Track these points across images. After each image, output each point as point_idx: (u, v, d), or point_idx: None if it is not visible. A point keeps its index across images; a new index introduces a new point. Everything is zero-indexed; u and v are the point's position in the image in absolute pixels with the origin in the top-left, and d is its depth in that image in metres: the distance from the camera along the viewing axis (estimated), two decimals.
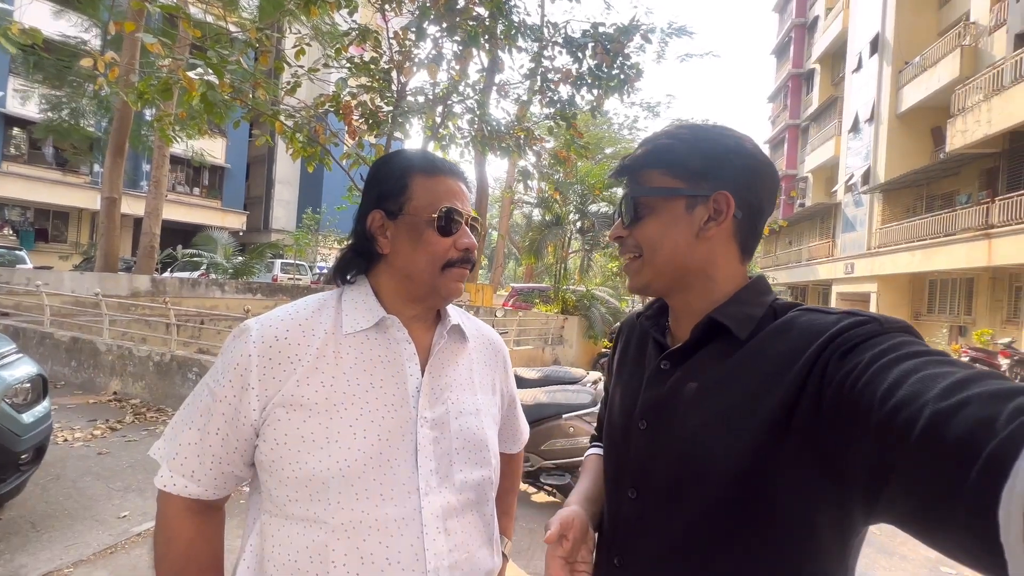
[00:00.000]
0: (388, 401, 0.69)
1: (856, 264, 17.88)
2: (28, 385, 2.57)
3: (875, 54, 17.57)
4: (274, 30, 5.35)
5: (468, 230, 0.75)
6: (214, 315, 7.49)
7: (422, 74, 5.45)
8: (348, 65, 5.22)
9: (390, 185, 0.74)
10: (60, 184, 17.37)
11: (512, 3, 5.33)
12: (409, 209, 0.72)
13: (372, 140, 5.50)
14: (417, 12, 5.06)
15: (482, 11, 5.12)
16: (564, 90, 5.87)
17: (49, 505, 2.83)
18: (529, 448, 3.15)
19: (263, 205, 26.25)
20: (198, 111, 4.43)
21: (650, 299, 0.77)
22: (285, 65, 4.82)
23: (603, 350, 11.33)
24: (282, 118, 4.94)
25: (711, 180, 0.62)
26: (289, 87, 4.97)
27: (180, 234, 19.11)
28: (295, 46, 4.98)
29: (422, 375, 0.73)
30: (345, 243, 0.80)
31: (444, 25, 5.05)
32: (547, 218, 15.40)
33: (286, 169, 25.86)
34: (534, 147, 6.14)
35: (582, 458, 0.90)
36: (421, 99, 5.52)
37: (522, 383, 3.78)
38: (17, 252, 13.16)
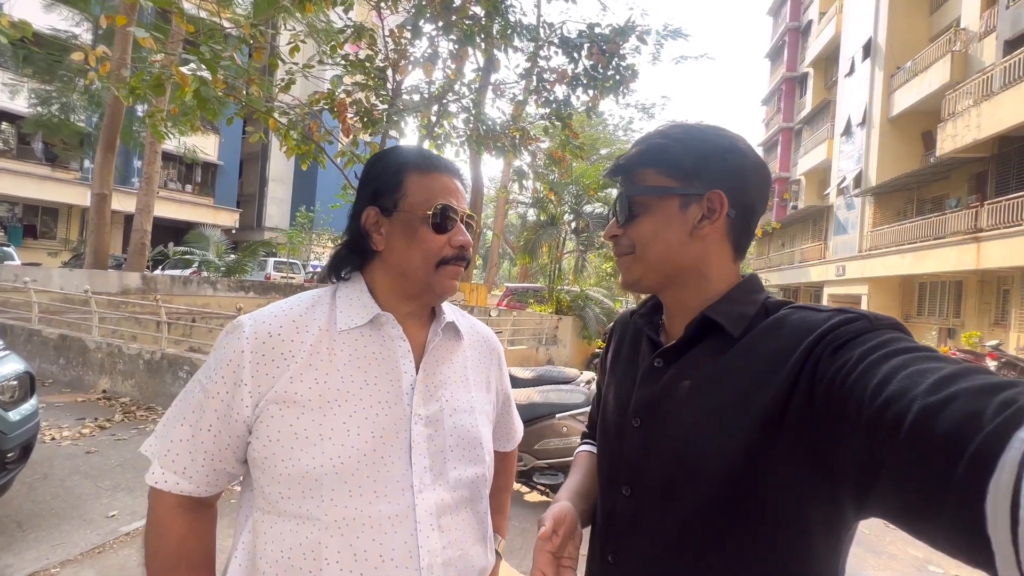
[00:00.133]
0: (382, 398, 0.69)
1: (847, 266, 18.05)
2: (15, 383, 2.54)
3: (867, 58, 17.74)
4: (268, 27, 5.31)
5: (463, 228, 0.74)
6: (206, 313, 7.43)
7: (417, 73, 5.44)
8: (343, 63, 5.20)
9: (385, 182, 0.74)
10: (49, 180, 17.14)
11: (508, 3, 5.33)
12: (404, 206, 0.72)
13: (367, 138, 5.48)
14: (413, 10, 5.05)
15: (478, 10, 5.11)
16: (560, 90, 5.88)
17: (36, 504, 2.79)
18: (522, 447, 3.15)
19: (256, 203, 26.06)
20: (191, 107, 4.40)
21: (644, 298, 0.78)
22: (279, 62, 4.79)
23: (597, 350, 11.35)
24: (276, 115, 4.91)
25: (704, 179, 0.63)
26: (283, 84, 4.94)
27: (172, 231, 18.95)
28: (290, 43, 4.95)
29: (416, 372, 0.72)
30: (339, 241, 0.80)
31: (440, 24, 5.04)
32: (542, 218, 15.41)
33: (280, 167, 25.70)
34: (529, 147, 6.15)
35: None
36: (416, 98, 5.51)
37: (516, 383, 3.78)
38: (5, 248, 12.98)
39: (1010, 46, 11.69)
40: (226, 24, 4.79)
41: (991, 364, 9.10)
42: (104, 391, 5.00)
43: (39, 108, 12.38)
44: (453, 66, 5.45)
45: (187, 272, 13.28)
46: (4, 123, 16.33)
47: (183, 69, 3.84)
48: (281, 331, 0.68)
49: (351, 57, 5.22)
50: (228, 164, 22.96)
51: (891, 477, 0.40)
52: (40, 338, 5.57)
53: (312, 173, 23.19)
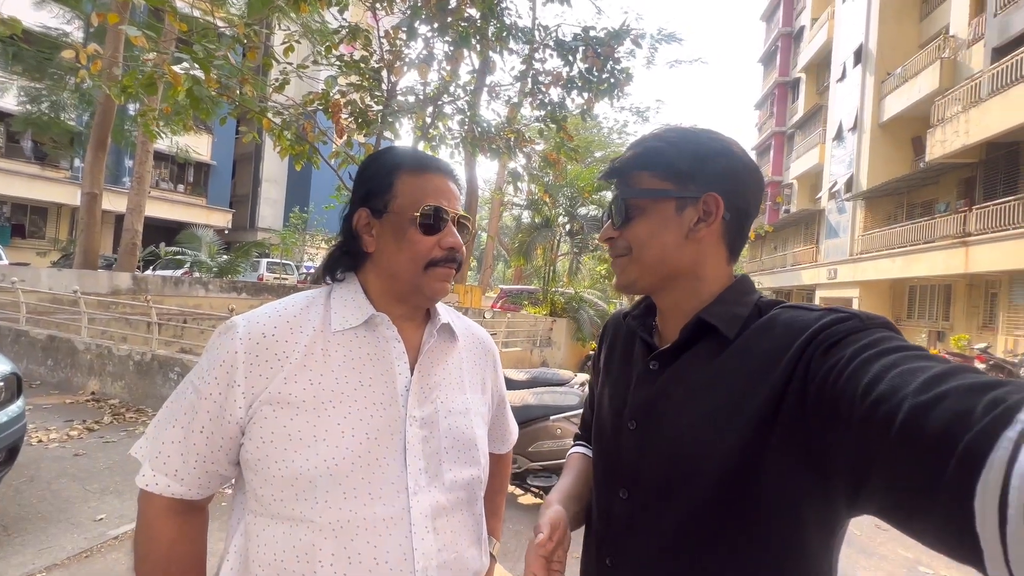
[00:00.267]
0: (377, 399, 0.68)
1: (839, 270, 18.22)
2: (1, 384, 2.50)
3: (859, 64, 17.95)
4: (263, 26, 5.29)
5: (454, 229, 0.73)
6: (197, 314, 7.36)
7: (413, 74, 5.44)
8: (338, 63, 5.18)
9: (376, 183, 0.73)
10: (38, 179, 16.94)
11: (504, 5, 5.34)
12: (393, 207, 0.71)
13: (361, 139, 5.46)
14: (408, 12, 5.04)
15: (474, 12, 5.12)
16: (555, 93, 5.89)
17: (22, 508, 2.75)
18: (516, 450, 3.14)
19: (249, 203, 25.91)
20: (184, 106, 4.35)
21: (637, 299, 0.78)
22: (274, 62, 4.76)
23: (591, 352, 11.37)
24: (270, 115, 4.88)
25: (700, 182, 0.63)
26: (277, 84, 4.91)
27: (163, 231, 18.77)
28: (284, 43, 4.92)
29: (411, 374, 0.72)
30: (332, 242, 0.79)
31: (435, 25, 5.04)
32: (536, 220, 15.43)
33: (273, 167, 25.56)
34: (524, 149, 6.15)
35: None
36: (411, 99, 5.50)
37: (510, 385, 3.77)
38: None
39: (998, 53, 11.88)
40: (219, 24, 4.76)
41: (980, 366, 9.22)
42: (93, 393, 4.94)
43: (28, 106, 12.22)
44: (448, 68, 5.45)
45: (179, 273, 13.16)
46: None
47: (176, 68, 3.81)
48: (275, 332, 0.68)
49: (346, 58, 5.20)
50: (221, 164, 22.81)
51: (882, 475, 0.41)
52: (28, 339, 5.50)
53: (306, 174, 23.13)
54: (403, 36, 5.21)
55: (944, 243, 13.06)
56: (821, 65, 22.36)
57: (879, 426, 0.40)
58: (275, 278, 15.93)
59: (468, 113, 5.52)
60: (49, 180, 17.10)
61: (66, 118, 12.59)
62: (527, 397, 3.46)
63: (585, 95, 5.74)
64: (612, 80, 5.56)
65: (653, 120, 15.62)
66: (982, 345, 10.15)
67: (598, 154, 18.00)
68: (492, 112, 6.21)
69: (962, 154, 12.70)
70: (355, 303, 0.72)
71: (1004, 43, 11.85)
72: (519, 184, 7.43)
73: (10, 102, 13.32)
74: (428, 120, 5.40)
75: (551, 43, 5.68)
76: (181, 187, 21.70)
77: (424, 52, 5.32)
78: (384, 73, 5.35)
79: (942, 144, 12.97)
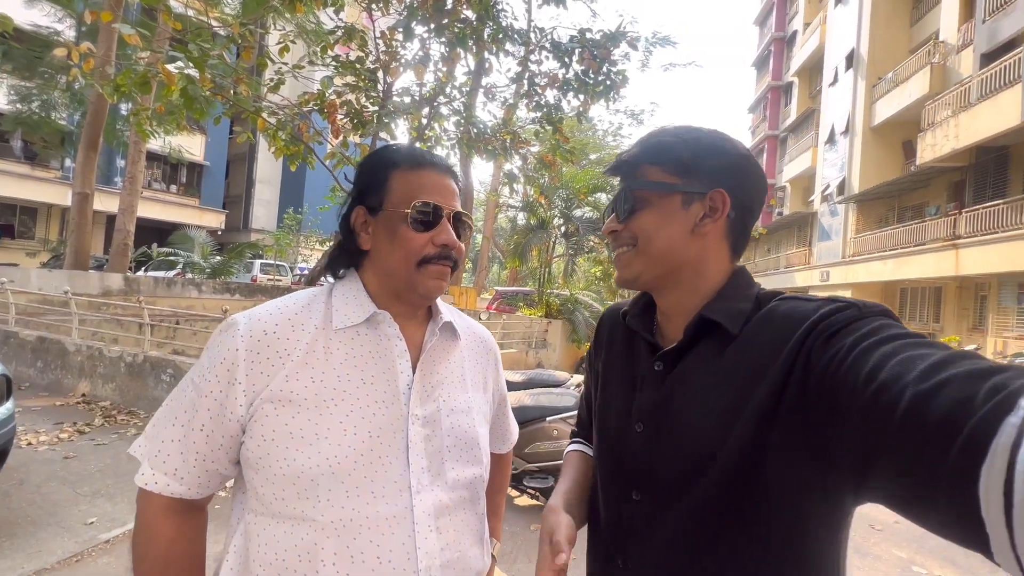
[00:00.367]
0: (379, 398, 0.68)
1: (831, 272, 18.38)
2: None
3: (850, 69, 18.15)
4: (258, 26, 5.26)
5: (449, 226, 0.72)
6: (190, 315, 7.30)
7: (409, 75, 5.42)
8: (334, 64, 5.16)
9: (372, 180, 0.73)
10: (29, 179, 16.75)
11: (500, 7, 5.35)
12: (387, 204, 0.71)
13: (357, 140, 5.44)
14: (404, 12, 5.04)
15: (470, 13, 5.12)
16: (550, 94, 5.91)
17: (11, 511, 2.71)
18: (513, 451, 3.13)
19: (243, 204, 25.74)
20: (177, 106, 4.33)
21: (633, 295, 0.77)
22: (268, 62, 4.74)
23: (586, 353, 11.38)
24: (264, 115, 4.86)
25: (706, 178, 0.63)
26: (272, 84, 4.89)
27: (156, 232, 18.62)
28: (279, 43, 4.90)
29: (413, 372, 0.71)
30: (326, 244, 0.79)
31: (431, 26, 5.03)
32: (532, 222, 15.44)
33: (267, 168, 25.44)
34: (520, 150, 6.16)
35: None
36: (407, 100, 5.49)
37: (506, 386, 3.76)
38: None
39: (986, 59, 12.06)
40: (214, 23, 4.74)
41: None
42: (84, 395, 4.88)
43: (19, 105, 12.08)
44: (444, 69, 5.45)
45: (171, 274, 13.06)
46: None
47: (170, 67, 3.78)
48: (276, 329, 0.67)
49: (342, 58, 5.19)
50: (214, 164, 22.66)
51: (885, 464, 0.41)
52: (17, 340, 5.42)
53: (300, 175, 23.02)
54: (399, 37, 5.21)
55: (934, 246, 13.22)
56: (813, 69, 22.58)
57: (881, 415, 0.40)
58: (269, 279, 15.82)
59: (464, 114, 5.52)
60: (39, 180, 16.91)
61: (57, 117, 12.46)
62: (523, 398, 3.46)
63: (581, 97, 5.76)
64: (608, 82, 5.58)
65: (648, 122, 15.71)
66: (972, 347, 10.26)
67: (593, 156, 18.09)
68: (488, 114, 6.21)
69: (952, 158, 12.87)
70: (356, 301, 0.71)
71: (992, 49, 12.03)
72: (515, 186, 7.44)
73: (0, 101, 13.17)
74: (424, 121, 5.40)
75: (547, 45, 5.69)
76: (174, 187, 21.55)
77: (420, 53, 5.31)
78: (380, 74, 5.34)
79: (932, 148, 13.13)
